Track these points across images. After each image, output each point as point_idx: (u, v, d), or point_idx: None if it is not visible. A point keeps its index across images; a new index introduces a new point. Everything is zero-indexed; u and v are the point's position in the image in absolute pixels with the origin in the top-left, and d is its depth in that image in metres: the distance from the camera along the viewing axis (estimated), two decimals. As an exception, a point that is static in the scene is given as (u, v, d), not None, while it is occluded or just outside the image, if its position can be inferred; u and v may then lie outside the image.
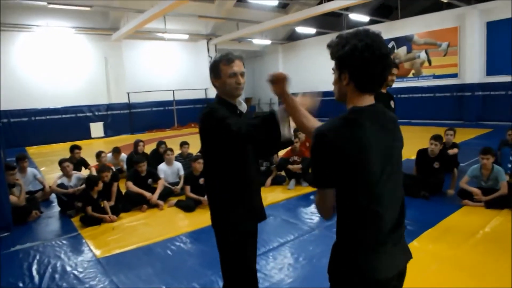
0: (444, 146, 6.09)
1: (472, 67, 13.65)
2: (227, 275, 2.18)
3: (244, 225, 2.11)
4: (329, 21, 18.76)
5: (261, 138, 1.82)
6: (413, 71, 15.49)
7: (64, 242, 4.29)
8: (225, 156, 2.02)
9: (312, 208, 5.18)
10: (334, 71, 1.43)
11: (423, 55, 15.10)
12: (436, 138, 5.23)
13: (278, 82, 1.73)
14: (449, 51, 14.31)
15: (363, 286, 1.34)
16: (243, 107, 2.17)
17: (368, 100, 1.38)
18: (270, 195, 5.65)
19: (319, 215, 1.48)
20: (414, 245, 3.65)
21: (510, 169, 5.62)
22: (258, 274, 3.12)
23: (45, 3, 11.61)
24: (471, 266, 3.22)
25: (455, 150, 6.42)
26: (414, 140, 6.59)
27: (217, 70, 2.07)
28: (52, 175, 7.58)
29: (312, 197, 5.64)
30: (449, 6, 14.33)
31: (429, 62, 14.99)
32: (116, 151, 7.23)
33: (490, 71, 13.44)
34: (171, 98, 17.76)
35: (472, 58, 13.61)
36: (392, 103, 3.97)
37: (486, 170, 4.73)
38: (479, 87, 13.66)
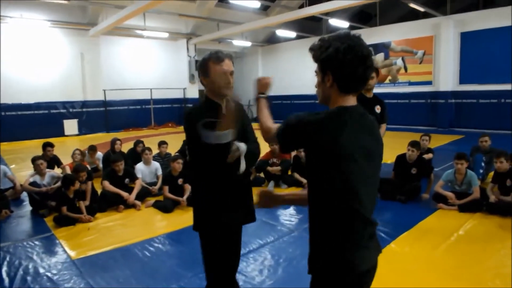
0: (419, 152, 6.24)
1: (446, 76, 14.09)
2: (210, 275, 2.15)
3: (228, 225, 2.09)
4: (309, 25, 18.95)
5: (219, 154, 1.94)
6: (389, 77, 15.84)
7: (36, 242, 4.13)
8: (209, 155, 1.98)
9: (291, 210, 5.19)
10: (317, 74, 1.46)
11: (399, 62, 15.47)
12: (414, 144, 5.35)
13: (263, 87, 1.94)
14: (425, 59, 14.73)
15: (345, 278, 1.38)
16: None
17: (352, 101, 1.42)
18: (250, 197, 5.63)
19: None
20: (391, 247, 3.72)
21: (482, 175, 5.83)
22: (239, 276, 3.11)
23: (20, -5, 11.22)
24: (447, 268, 3.30)
25: (430, 155, 6.60)
26: (390, 145, 6.69)
27: (206, 68, 2.03)
28: (22, 173, 7.33)
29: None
30: (426, 15, 14.77)
31: (405, 69, 15.37)
32: (92, 149, 7.06)
33: (463, 80, 13.92)
34: (149, 97, 17.50)
35: (446, 67, 14.05)
36: (378, 108, 4.04)
37: (460, 175, 4.88)
38: (452, 95, 14.12)
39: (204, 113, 2.00)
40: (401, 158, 5.50)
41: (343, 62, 1.33)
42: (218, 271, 2.13)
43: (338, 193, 1.35)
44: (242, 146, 1.98)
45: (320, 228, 1.42)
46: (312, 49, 1.45)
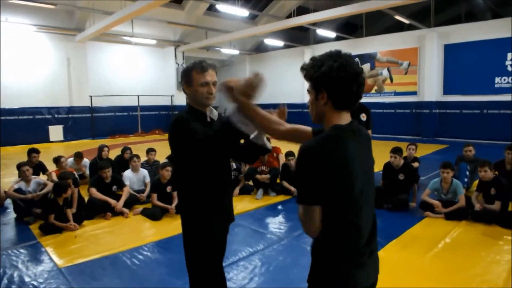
0: (405, 159, 6.34)
1: (430, 86, 14.40)
2: (195, 280, 2.16)
3: (217, 231, 2.10)
4: (296, 35, 19.18)
5: (227, 140, 1.82)
6: (375, 87, 16.10)
7: (21, 250, 4.04)
8: (195, 162, 2.00)
9: (280, 218, 5.22)
10: (310, 92, 1.48)
11: (385, 72, 15.75)
12: (396, 151, 5.48)
13: (228, 90, 1.73)
14: (410, 70, 15.04)
15: None
16: (214, 115, 2.15)
17: (346, 118, 1.44)
18: (239, 205, 5.62)
19: (305, 232, 1.44)
20: (380, 255, 3.74)
21: (467, 183, 5.95)
22: (229, 284, 3.10)
23: (5, -2, 11.06)
24: (435, 275, 3.35)
25: (416, 164, 6.70)
26: (377, 154, 6.78)
27: (189, 77, 2.03)
28: (6, 179, 7.18)
29: (279, 207, 5.68)
30: (410, 27, 15.13)
31: (391, 79, 15.65)
32: (78, 156, 6.97)
33: (446, 91, 14.25)
34: (136, 104, 17.39)
35: (430, 78, 14.37)
36: (363, 116, 4.11)
37: (446, 184, 4.98)
38: (436, 105, 14.42)
39: (190, 119, 1.97)
40: (388, 166, 5.60)
41: (337, 79, 1.35)
42: (208, 272, 2.14)
43: (344, 210, 1.36)
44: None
45: (321, 243, 1.42)
46: (304, 69, 1.47)
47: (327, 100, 1.40)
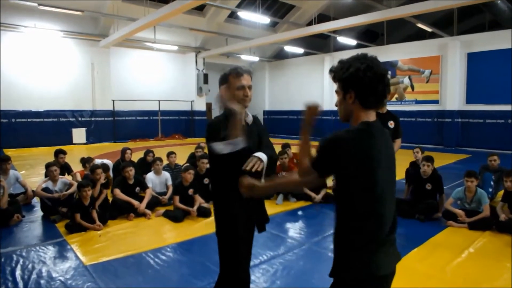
0: (414, 163, 6.25)
1: (453, 95, 14.18)
2: (223, 273, 2.28)
3: (242, 223, 2.22)
4: (316, 43, 19.20)
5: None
6: (396, 96, 15.95)
7: (49, 247, 4.16)
8: (224, 162, 2.11)
9: (301, 223, 5.23)
10: (338, 93, 1.58)
11: (406, 80, 15.60)
12: (428, 159, 5.31)
13: (312, 112, 1.75)
14: (431, 78, 14.85)
15: (367, 281, 1.48)
16: (249, 119, 2.29)
17: (372, 116, 1.55)
18: (259, 209, 5.64)
19: (296, 174, 1.64)
20: (402, 263, 3.71)
21: (491, 193, 5.84)
22: (251, 286, 3.13)
23: (35, 4, 11.45)
24: (458, 284, 3.30)
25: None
26: (398, 162, 6.72)
27: (226, 82, 2.19)
28: (32, 179, 7.41)
29: (300, 212, 5.69)
30: (432, 35, 14.95)
31: (412, 87, 15.49)
32: (105, 170, 7.09)
33: (469, 100, 14.00)
34: (156, 108, 17.69)
35: (452, 86, 14.15)
36: (391, 123, 4.11)
37: (469, 193, 4.89)
38: (459, 114, 14.18)
39: (224, 123, 2.11)
40: (415, 175, 5.47)
41: (364, 80, 1.46)
42: (235, 268, 2.25)
43: (368, 199, 1.47)
44: (263, 156, 2.07)
45: (345, 234, 1.52)
46: (332, 71, 1.58)
47: (355, 99, 1.51)
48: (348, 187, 1.49)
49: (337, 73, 1.54)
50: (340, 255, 1.53)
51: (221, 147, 2.00)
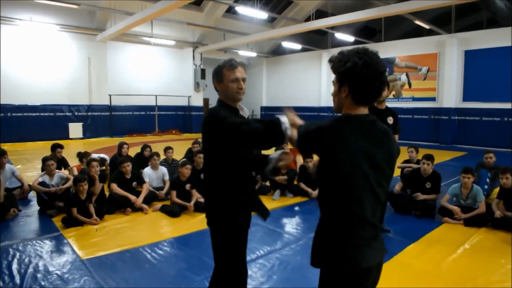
0: (408, 162, 6.26)
1: (450, 92, 14.23)
2: (219, 265, 2.24)
3: (242, 217, 2.21)
4: (314, 39, 19.18)
5: (271, 138, 1.85)
6: (393, 93, 15.97)
7: (45, 241, 4.16)
8: (226, 152, 2.11)
9: (297, 218, 5.25)
10: (334, 84, 1.58)
11: (403, 77, 15.63)
12: (429, 157, 5.29)
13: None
14: (429, 75, 14.89)
15: (351, 273, 1.48)
16: (245, 113, 2.28)
17: (363, 111, 1.53)
18: (255, 205, 5.65)
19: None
20: (397, 259, 3.75)
21: (487, 190, 5.88)
22: (248, 281, 3.14)
23: (32, -2, 11.36)
24: (453, 280, 3.33)
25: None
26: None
27: (220, 74, 2.18)
28: (28, 173, 7.39)
29: (296, 208, 5.72)
30: (430, 32, 14.96)
31: (409, 84, 15.52)
32: (102, 162, 7.08)
33: (466, 97, 14.05)
34: (153, 103, 17.63)
35: (449, 84, 14.20)
36: (390, 119, 4.12)
37: (465, 189, 4.92)
38: (455, 112, 14.23)
39: (223, 111, 2.10)
40: (415, 173, 5.46)
41: (360, 76, 1.45)
42: (232, 262, 2.22)
43: (339, 194, 1.48)
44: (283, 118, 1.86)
45: (324, 226, 1.55)
46: (331, 61, 1.56)
47: (348, 93, 1.50)
48: (323, 178, 1.51)
49: (335, 65, 1.53)
50: (323, 247, 1.53)
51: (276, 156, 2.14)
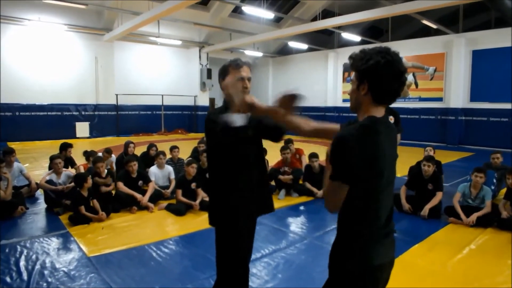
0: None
1: (457, 93, 14.12)
2: (222, 269, 2.24)
3: (243, 221, 2.20)
4: (321, 38, 19.14)
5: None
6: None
7: (52, 239, 4.20)
8: (228, 153, 2.12)
9: (302, 218, 5.25)
10: (353, 82, 1.57)
11: (410, 77, 15.53)
12: (429, 159, 5.28)
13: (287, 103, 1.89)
14: (436, 75, 14.79)
15: (363, 271, 1.50)
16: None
17: (381, 111, 1.53)
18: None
19: (325, 207, 1.55)
20: (403, 258, 3.74)
21: (494, 191, 5.83)
22: (253, 279, 3.15)
23: (40, -2, 11.46)
24: (459, 280, 3.31)
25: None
26: (400, 159, 6.72)
27: (225, 73, 2.19)
28: (36, 172, 7.46)
29: (302, 207, 5.71)
30: (437, 32, 14.85)
31: (416, 85, 15.43)
32: (108, 152, 7.15)
33: (473, 98, 13.93)
34: (160, 103, 17.70)
35: (457, 84, 14.08)
36: (391, 119, 4.11)
37: (475, 189, 4.89)
38: (463, 112, 14.12)
39: (224, 111, 2.13)
40: (417, 175, 5.43)
41: (382, 76, 1.44)
42: (235, 263, 2.22)
43: (368, 194, 1.48)
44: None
45: (343, 226, 1.55)
46: (352, 58, 1.55)
47: (367, 92, 1.49)
48: (351, 182, 1.48)
49: (355, 62, 1.51)
50: (339, 240, 1.56)
51: (235, 119, 1.95)
